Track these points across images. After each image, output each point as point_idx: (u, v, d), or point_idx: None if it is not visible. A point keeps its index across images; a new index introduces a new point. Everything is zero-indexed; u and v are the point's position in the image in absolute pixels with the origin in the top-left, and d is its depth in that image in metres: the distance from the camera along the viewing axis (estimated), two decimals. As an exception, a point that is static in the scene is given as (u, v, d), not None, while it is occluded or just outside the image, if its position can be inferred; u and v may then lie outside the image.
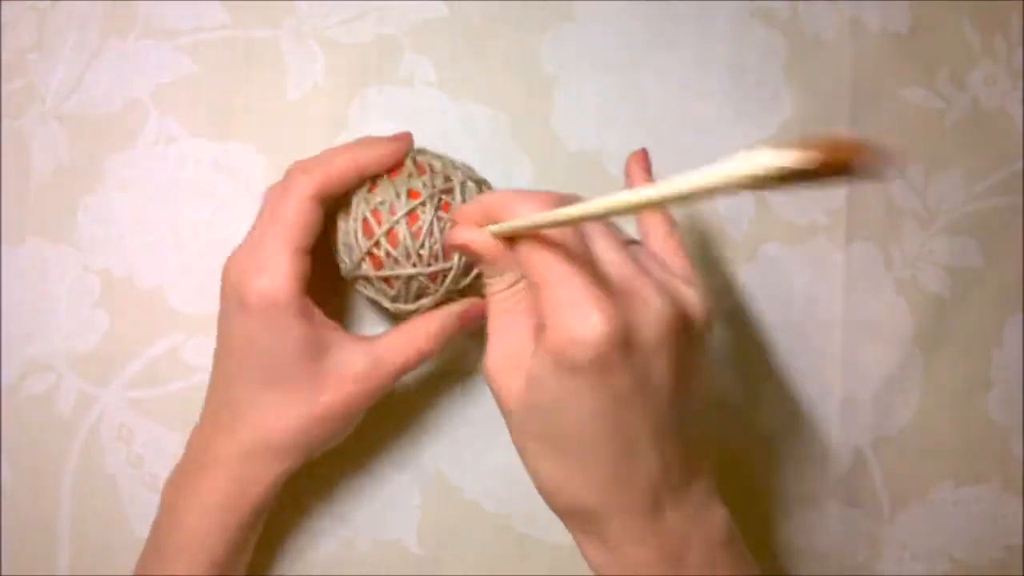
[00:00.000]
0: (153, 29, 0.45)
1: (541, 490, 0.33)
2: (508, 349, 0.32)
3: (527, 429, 0.31)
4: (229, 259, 0.38)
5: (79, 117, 0.44)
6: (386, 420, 0.44)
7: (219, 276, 0.38)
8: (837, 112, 0.46)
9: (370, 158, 0.37)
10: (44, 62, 0.44)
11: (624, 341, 0.29)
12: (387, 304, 0.38)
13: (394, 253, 0.37)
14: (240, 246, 0.38)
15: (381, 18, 0.45)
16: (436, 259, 0.37)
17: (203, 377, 0.43)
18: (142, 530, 0.38)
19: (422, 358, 0.38)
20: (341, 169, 0.37)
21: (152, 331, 0.44)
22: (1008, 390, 0.47)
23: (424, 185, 0.37)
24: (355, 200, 0.38)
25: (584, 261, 0.30)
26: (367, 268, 0.37)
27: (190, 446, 0.39)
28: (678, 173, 0.46)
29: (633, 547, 0.31)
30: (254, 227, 0.38)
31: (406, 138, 0.39)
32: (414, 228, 0.37)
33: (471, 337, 0.45)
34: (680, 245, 0.35)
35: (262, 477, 0.37)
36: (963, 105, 0.47)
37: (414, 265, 0.37)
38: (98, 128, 0.44)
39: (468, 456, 0.44)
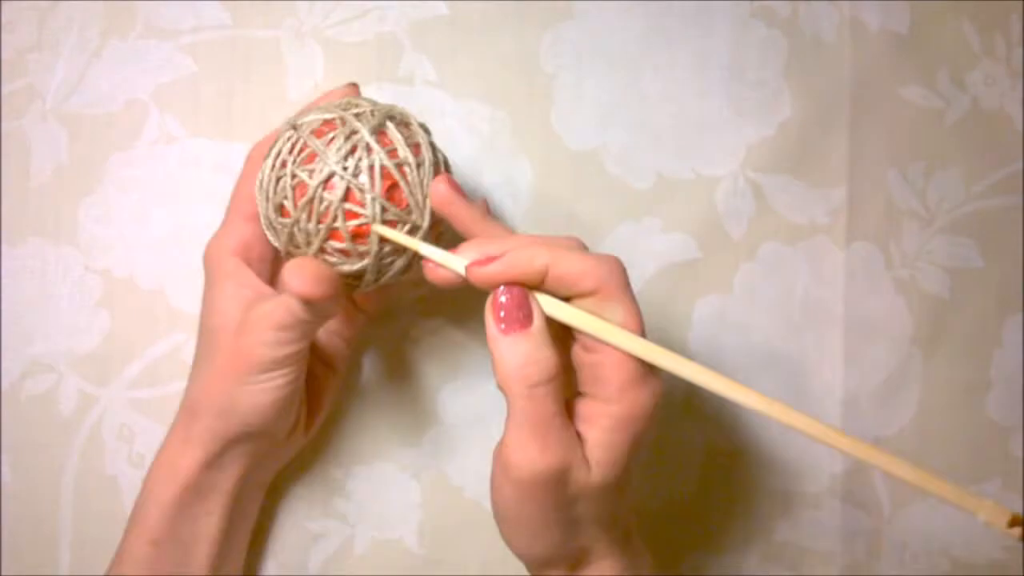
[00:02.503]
0: (153, 29, 0.45)
1: (533, 553, 0.34)
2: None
3: (494, 502, 0.34)
4: None
5: (79, 117, 0.44)
6: (386, 419, 0.44)
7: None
8: (837, 112, 0.46)
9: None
10: (44, 62, 0.44)
11: (558, 478, 0.31)
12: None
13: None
14: None
15: (381, 17, 0.45)
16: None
17: (203, 377, 0.43)
18: (143, 530, 0.38)
19: (293, 318, 0.34)
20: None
21: (153, 331, 0.44)
22: (1008, 390, 0.47)
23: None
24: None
25: (558, 386, 0.31)
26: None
27: None
28: (677, 172, 0.46)
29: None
30: None
31: (350, 87, 0.38)
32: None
33: (473, 337, 0.45)
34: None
35: (187, 448, 0.37)
36: (963, 105, 0.47)
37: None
38: (98, 128, 0.44)
39: (469, 456, 0.44)
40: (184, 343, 0.44)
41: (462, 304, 0.44)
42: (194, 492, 0.37)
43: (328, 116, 0.34)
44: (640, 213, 0.45)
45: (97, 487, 0.43)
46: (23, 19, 0.44)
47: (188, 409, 0.38)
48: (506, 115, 0.45)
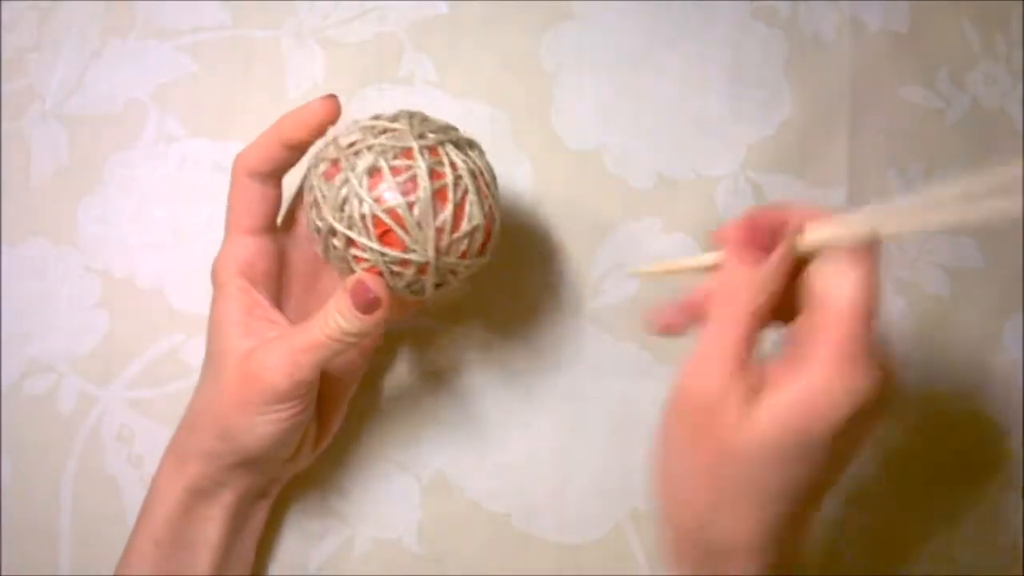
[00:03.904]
0: (153, 29, 0.45)
1: (680, 518, 0.31)
2: (729, 370, 0.29)
3: (710, 463, 0.29)
4: None
5: (79, 117, 0.44)
6: (386, 419, 0.44)
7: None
8: (837, 112, 0.46)
9: (288, 123, 0.37)
10: (44, 62, 0.44)
11: (698, 404, 0.29)
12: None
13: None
14: None
15: (381, 17, 0.45)
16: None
17: (203, 377, 0.43)
18: (143, 530, 0.38)
19: (323, 353, 0.34)
20: (263, 140, 0.37)
21: (152, 331, 0.44)
22: (1008, 390, 0.47)
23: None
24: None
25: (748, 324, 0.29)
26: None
27: None
28: (677, 172, 0.46)
29: None
30: None
31: (327, 100, 0.36)
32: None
33: (473, 337, 0.45)
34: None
35: (189, 457, 0.37)
36: (963, 105, 0.47)
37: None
38: (98, 128, 0.44)
39: (468, 455, 0.44)
40: (184, 343, 0.44)
41: (462, 304, 0.44)
42: (196, 499, 0.37)
43: (334, 157, 0.34)
44: (640, 213, 0.45)
45: (97, 487, 0.43)
46: (23, 19, 0.44)
47: (190, 422, 0.38)
48: (506, 115, 0.45)
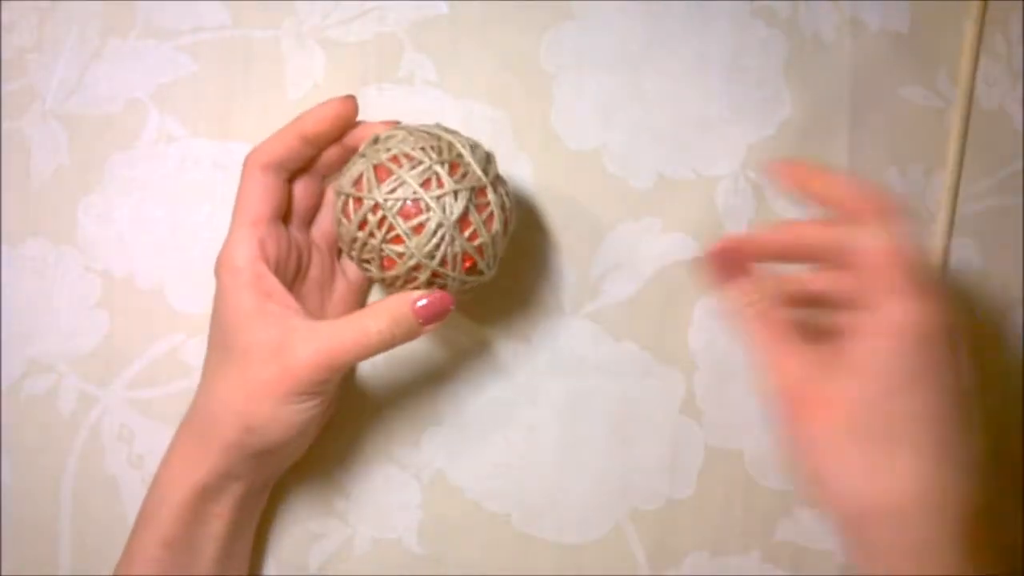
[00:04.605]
0: (153, 29, 0.45)
1: (837, 492, 0.33)
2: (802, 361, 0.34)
3: (845, 423, 0.32)
4: None
5: (79, 117, 0.44)
6: (386, 419, 0.44)
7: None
8: (837, 112, 0.46)
9: (309, 117, 0.38)
10: (44, 62, 0.44)
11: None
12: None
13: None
14: None
15: (381, 17, 0.45)
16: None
17: (203, 377, 0.43)
18: (143, 530, 0.38)
19: (367, 352, 0.36)
20: (279, 135, 0.38)
21: (152, 331, 0.44)
22: (1007, 390, 0.47)
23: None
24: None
25: None
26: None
27: None
28: (677, 172, 0.46)
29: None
30: None
31: (346, 99, 0.38)
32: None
33: (473, 337, 0.45)
34: None
35: (203, 454, 0.37)
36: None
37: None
38: (98, 128, 0.44)
39: (468, 456, 0.44)
40: (183, 343, 0.44)
41: (461, 304, 0.44)
42: (207, 496, 0.37)
43: (415, 197, 0.35)
44: (640, 213, 0.45)
45: (97, 487, 0.43)
46: (23, 19, 0.44)
47: (206, 420, 0.37)
48: (506, 115, 0.45)
